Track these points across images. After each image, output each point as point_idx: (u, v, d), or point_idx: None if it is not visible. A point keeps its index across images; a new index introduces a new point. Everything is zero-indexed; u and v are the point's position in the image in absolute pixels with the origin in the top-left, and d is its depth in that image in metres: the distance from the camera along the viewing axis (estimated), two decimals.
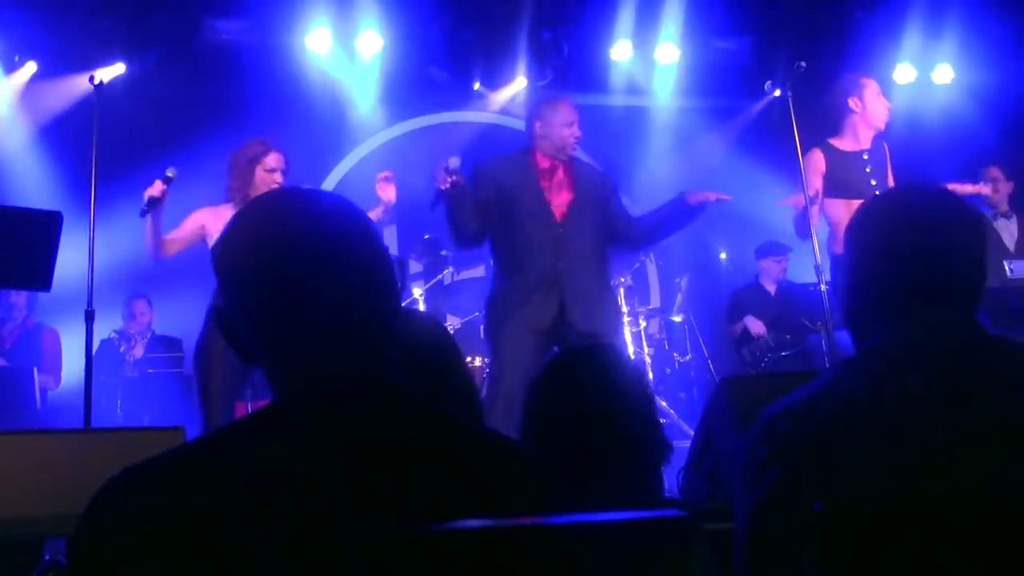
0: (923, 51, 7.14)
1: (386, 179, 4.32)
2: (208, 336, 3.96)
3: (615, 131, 7.51)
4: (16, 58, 6.22)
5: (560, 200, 4.07)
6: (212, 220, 4.06)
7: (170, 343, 6.14)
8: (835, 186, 4.37)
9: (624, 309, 6.12)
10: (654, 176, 7.24)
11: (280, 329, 1.10)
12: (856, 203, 4.29)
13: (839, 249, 4.42)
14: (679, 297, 6.68)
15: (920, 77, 7.30)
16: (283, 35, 6.51)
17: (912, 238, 1.43)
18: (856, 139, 4.54)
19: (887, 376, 1.36)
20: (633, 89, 7.34)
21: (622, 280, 6.22)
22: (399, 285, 1.18)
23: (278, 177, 4.14)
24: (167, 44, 6.44)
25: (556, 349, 3.98)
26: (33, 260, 3.55)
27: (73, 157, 5.65)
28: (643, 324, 6.21)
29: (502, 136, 7.25)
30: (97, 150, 4.08)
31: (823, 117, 4.67)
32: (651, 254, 6.66)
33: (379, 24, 6.52)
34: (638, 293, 6.42)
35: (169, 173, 4.03)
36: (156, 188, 3.97)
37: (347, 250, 1.12)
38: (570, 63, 7.15)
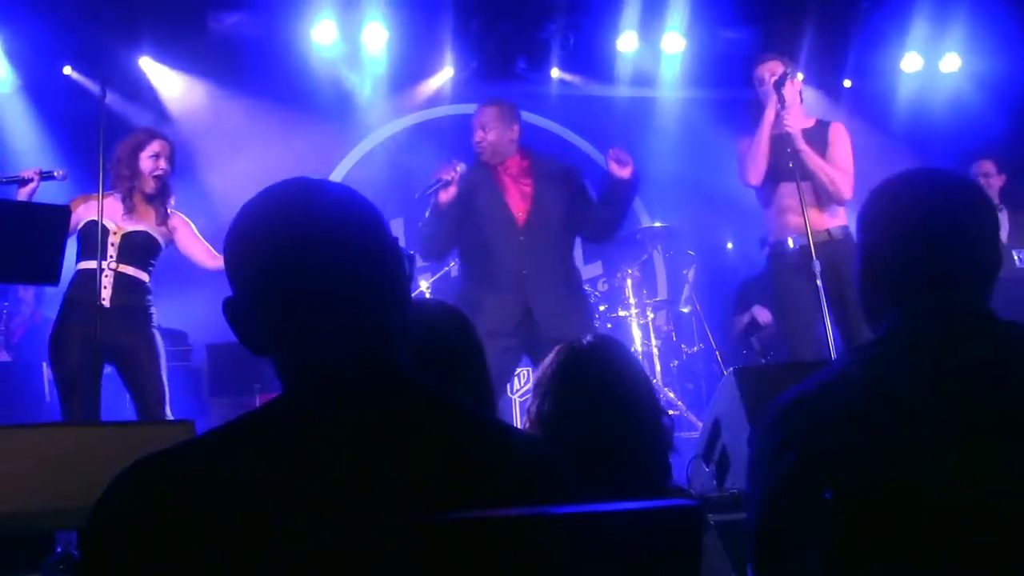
0: (930, 40, 7.11)
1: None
2: (59, 325, 4.01)
3: (621, 122, 7.50)
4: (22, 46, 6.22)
5: (521, 204, 4.06)
6: (84, 207, 4.06)
7: (175, 336, 6.14)
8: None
9: (632, 301, 6.11)
10: (661, 167, 7.24)
11: (288, 320, 1.10)
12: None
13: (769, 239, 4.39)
14: (686, 288, 6.67)
15: (927, 66, 7.29)
16: (288, 27, 6.52)
17: (926, 223, 1.42)
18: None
19: (900, 363, 1.35)
20: (639, 80, 7.33)
21: (629, 272, 6.21)
22: (408, 275, 1.17)
23: (163, 163, 4.19)
24: (172, 36, 6.44)
25: (523, 351, 4.01)
26: (41, 254, 3.56)
27: (80, 151, 5.65)
28: (651, 316, 6.20)
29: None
30: (104, 144, 4.09)
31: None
32: (658, 245, 6.65)
33: (384, 17, 6.53)
34: (645, 285, 6.41)
35: (56, 174, 4.02)
36: (30, 171, 3.98)
37: (355, 240, 1.12)
38: (576, 54, 7.14)
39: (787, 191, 4.27)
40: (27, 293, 5.93)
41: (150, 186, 4.19)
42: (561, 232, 4.10)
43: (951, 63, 7.26)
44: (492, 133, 4.10)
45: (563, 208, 4.10)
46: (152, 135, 4.27)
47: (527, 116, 7.42)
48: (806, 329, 4.20)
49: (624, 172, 3.96)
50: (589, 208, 4.15)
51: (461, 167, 3.93)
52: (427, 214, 4.00)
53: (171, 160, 4.25)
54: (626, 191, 4.05)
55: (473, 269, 4.10)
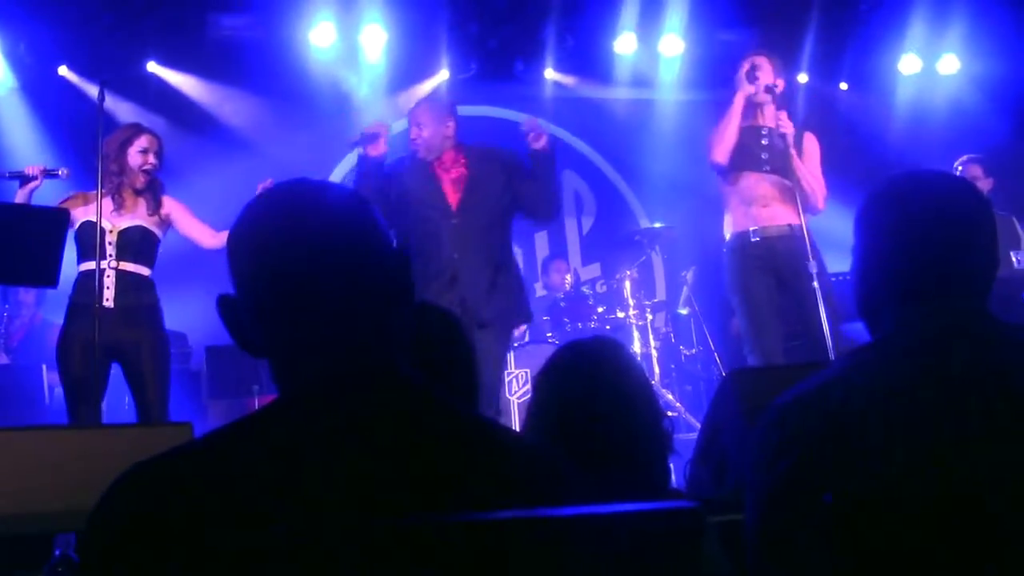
0: (929, 41, 7.12)
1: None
2: (65, 331, 4.01)
3: (619, 124, 7.50)
4: (21, 47, 6.22)
5: (455, 191, 4.15)
6: (83, 208, 4.07)
7: (175, 338, 6.12)
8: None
9: (630, 303, 6.11)
10: (659, 169, 7.25)
11: (286, 321, 1.10)
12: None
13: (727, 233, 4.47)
14: (685, 290, 6.67)
15: (926, 67, 7.29)
16: (287, 30, 6.52)
17: (926, 224, 1.43)
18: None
19: (901, 365, 1.35)
20: (637, 82, 7.34)
21: (628, 273, 6.21)
22: (410, 278, 1.18)
23: (151, 158, 4.17)
24: (171, 39, 6.45)
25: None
26: (40, 257, 3.57)
27: (79, 153, 5.66)
28: (649, 318, 6.19)
29: (511, 129, 7.27)
30: (103, 148, 4.09)
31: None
32: (656, 247, 6.66)
33: (383, 18, 6.53)
34: (644, 287, 6.40)
35: (61, 172, 4.04)
36: (34, 168, 3.99)
37: (355, 242, 1.12)
38: (574, 56, 7.15)
39: (754, 181, 4.36)
40: (28, 296, 5.92)
41: (139, 181, 4.15)
42: (495, 218, 4.18)
43: (949, 65, 7.27)
44: (426, 130, 4.21)
45: (498, 194, 4.17)
46: (140, 130, 4.23)
47: (522, 116, 7.49)
48: (769, 325, 4.26)
49: (538, 144, 4.09)
50: (525, 190, 4.22)
51: (386, 126, 4.15)
52: (352, 176, 4.20)
53: (160, 155, 4.22)
54: (544, 162, 4.14)
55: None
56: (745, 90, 4.38)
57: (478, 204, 4.12)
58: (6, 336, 5.93)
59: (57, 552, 1.84)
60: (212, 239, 4.24)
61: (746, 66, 4.45)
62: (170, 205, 4.26)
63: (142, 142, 4.17)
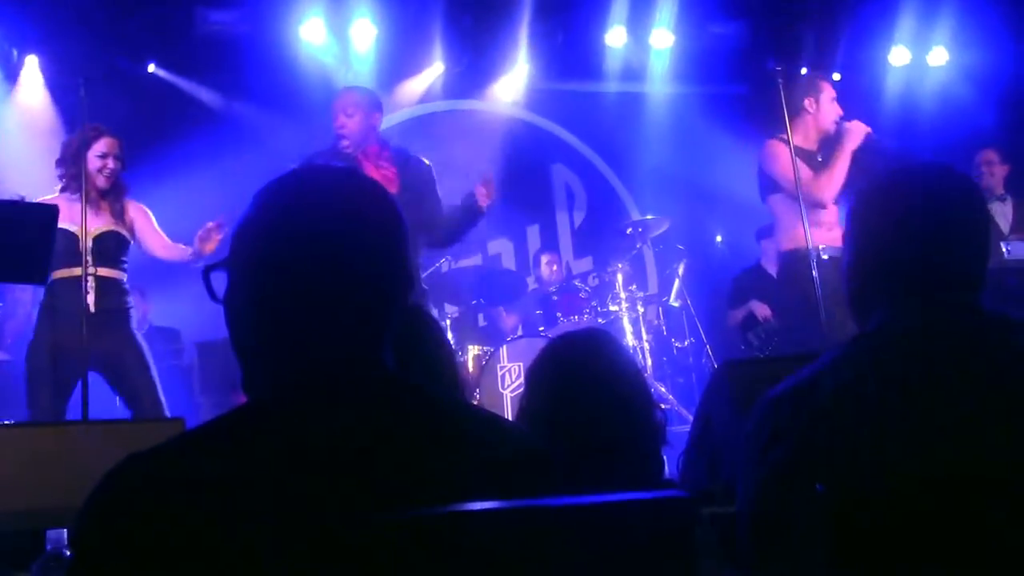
0: (918, 33, 7.14)
1: (211, 230, 4.04)
2: (37, 335, 4.00)
3: (610, 117, 7.51)
4: (12, 51, 6.18)
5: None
6: None
7: (167, 334, 6.12)
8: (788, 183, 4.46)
9: (622, 295, 6.11)
10: (649, 162, 7.25)
11: (279, 311, 1.10)
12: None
13: (786, 246, 4.54)
14: (677, 282, 6.66)
15: (915, 59, 7.31)
16: (277, 25, 6.50)
17: (919, 218, 1.43)
18: (807, 139, 4.54)
19: (890, 357, 1.36)
20: (628, 75, 7.33)
21: (620, 266, 6.21)
22: (413, 270, 1.17)
23: (111, 163, 4.12)
24: (160, 35, 6.42)
25: None
26: (28, 254, 3.53)
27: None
28: (641, 310, 6.19)
29: (501, 125, 7.28)
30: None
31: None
32: (648, 240, 6.66)
33: (372, 13, 6.51)
34: (635, 279, 6.39)
35: None
36: None
37: (358, 236, 1.11)
38: (565, 49, 7.15)
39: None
40: (24, 294, 5.89)
41: (99, 183, 4.10)
42: (418, 227, 4.10)
43: (939, 57, 7.29)
44: (353, 120, 4.10)
45: (420, 204, 4.09)
46: (99, 133, 4.15)
47: (518, 112, 7.50)
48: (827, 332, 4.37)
49: (484, 201, 4.09)
50: (439, 214, 4.19)
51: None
52: None
53: (120, 158, 4.15)
54: (474, 217, 4.18)
55: None
56: (857, 134, 4.41)
57: (406, 209, 4.07)
58: (1, 334, 5.92)
59: (48, 548, 1.84)
60: (163, 250, 4.20)
61: (827, 110, 4.49)
62: (134, 211, 4.22)
63: (100, 146, 4.10)
